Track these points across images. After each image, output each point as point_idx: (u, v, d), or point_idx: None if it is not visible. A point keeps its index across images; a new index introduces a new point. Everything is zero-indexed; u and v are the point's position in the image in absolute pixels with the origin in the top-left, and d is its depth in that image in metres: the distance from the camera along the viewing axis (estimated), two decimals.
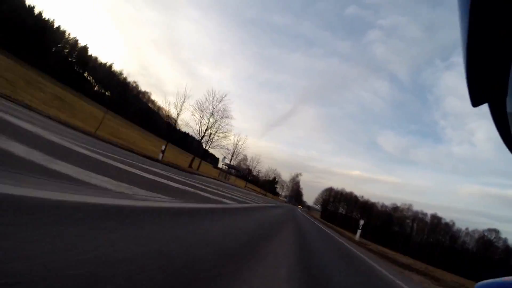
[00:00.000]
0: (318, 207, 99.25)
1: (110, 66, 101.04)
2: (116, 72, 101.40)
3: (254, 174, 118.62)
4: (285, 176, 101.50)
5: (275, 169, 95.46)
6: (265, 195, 65.87)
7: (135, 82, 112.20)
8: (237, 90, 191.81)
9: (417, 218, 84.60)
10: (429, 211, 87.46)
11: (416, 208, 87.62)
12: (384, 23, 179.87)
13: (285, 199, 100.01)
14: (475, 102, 0.43)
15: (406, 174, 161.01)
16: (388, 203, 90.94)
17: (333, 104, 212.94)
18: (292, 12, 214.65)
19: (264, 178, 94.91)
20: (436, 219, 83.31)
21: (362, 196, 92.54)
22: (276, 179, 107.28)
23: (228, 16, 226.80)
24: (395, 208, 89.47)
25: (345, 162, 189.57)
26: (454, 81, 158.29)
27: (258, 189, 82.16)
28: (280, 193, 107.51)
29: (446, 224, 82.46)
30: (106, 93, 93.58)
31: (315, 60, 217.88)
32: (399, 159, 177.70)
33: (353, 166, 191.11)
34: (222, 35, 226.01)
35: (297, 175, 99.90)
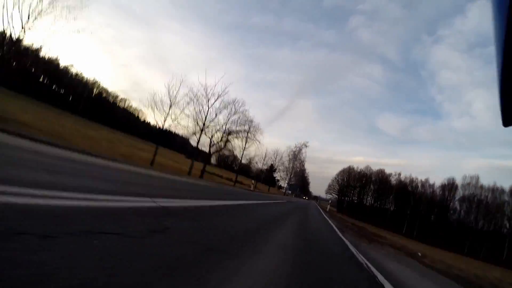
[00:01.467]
0: (332, 197, 71.67)
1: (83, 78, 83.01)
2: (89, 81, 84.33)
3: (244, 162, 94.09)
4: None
5: (272, 152, 65.30)
6: (234, 182, 37.93)
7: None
8: (231, 94, 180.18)
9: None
10: None
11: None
12: (364, 8, 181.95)
13: (287, 192, 72.40)
14: (507, 122, 0.42)
15: (409, 154, 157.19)
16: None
17: (329, 94, 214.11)
18: (271, 10, 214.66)
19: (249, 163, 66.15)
20: None
21: (399, 174, 63.55)
22: (275, 167, 79.67)
23: (209, 23, 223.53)
24: (447, 186, 60.55)
25: (347, 150, 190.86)
26: (445, 54, 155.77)
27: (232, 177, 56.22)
28: (280, 183, 79.42)
29: None
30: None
31: (303, 53, 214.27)
32: (400, 140, 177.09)
33: (356, 153, 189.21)
34: (207, 42, 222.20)
35: (299, 148, 64.34)
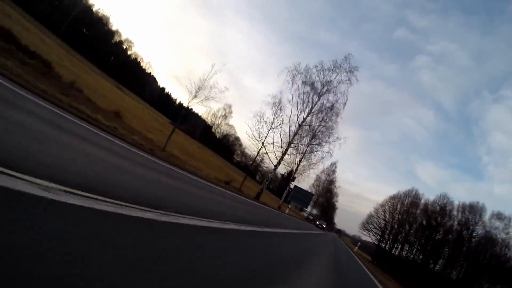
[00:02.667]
0: (366, 235, 45.44)
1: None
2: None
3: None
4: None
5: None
6: None
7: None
8: None
9: None
10: None
11: None
12: (433, 49, 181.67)
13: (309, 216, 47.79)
14: None
15: None
16: None
17: (374, 128, 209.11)
18: (340, 30, 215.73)
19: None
20: None
21: None
22: (294, 174, 53.79)
23: (276, 30, 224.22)
24: None
25: (380, 189, 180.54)
26: (503, 115, 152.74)
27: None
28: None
29: None
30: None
31: (360, 82, 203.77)
32: (435, 192, 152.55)
33: (387, 194, 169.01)
34: (269, 48, 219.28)
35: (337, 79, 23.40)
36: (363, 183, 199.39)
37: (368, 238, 47.50)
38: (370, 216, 44.94)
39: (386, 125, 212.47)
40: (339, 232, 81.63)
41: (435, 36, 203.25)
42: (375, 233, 43.59)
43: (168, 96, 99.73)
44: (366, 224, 45.07)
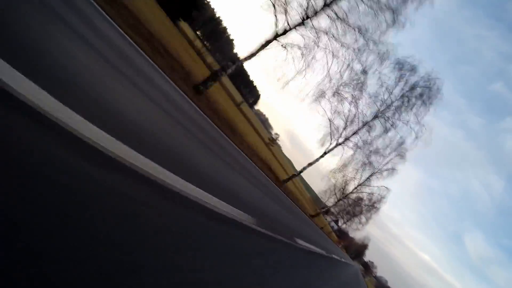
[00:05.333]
0: None
1: None
2: None
3: None
4: None
5: None
6: None
7: None
8: None
9: None
10: None
11: None
12: None
13: None
14: None
15: (474, 286, 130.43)
16: None
17: (437, 177, 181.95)
18: (435, 63, 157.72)
19: None
20: None
21: None
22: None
23: None
24: None
25: (420, 239, 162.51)
26: None
27: None
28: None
29: None
30: None
31: (439, 124, 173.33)
32: (474, 268, 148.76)
33: (425, 248, 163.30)
34: None
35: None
36: (407, 227, 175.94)
37: None
38: None
39: (451, 178, 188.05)
40: (367, 266, 53.21)
41: None
42: None
43: None
44: None
